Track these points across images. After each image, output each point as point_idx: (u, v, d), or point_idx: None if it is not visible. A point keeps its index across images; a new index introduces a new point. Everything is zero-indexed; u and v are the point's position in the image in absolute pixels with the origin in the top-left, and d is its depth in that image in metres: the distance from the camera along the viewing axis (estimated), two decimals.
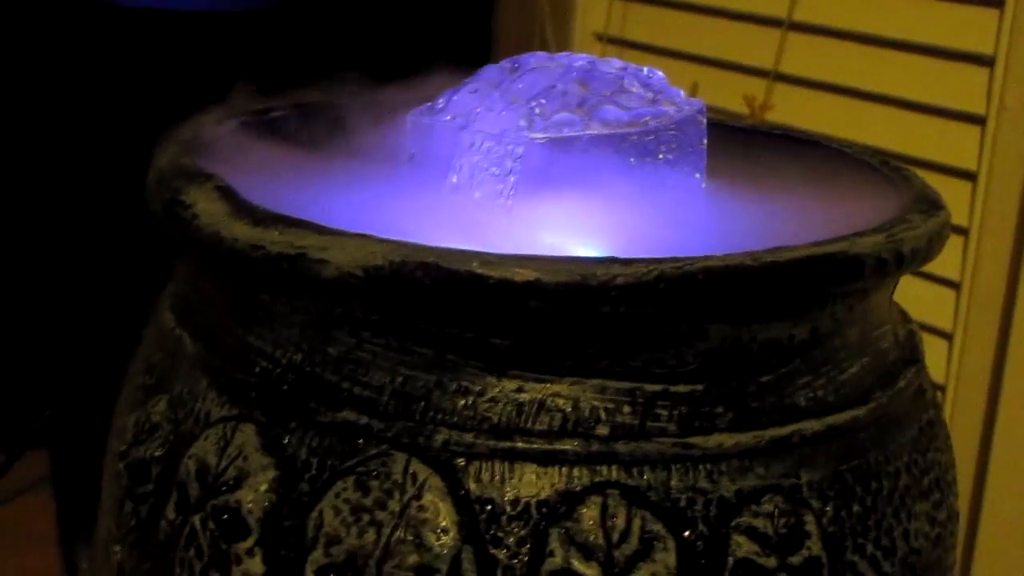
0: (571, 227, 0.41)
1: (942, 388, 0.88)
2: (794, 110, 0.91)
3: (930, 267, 0.86)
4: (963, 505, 0.88)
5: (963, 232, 0.86)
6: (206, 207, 0.37)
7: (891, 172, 0.45)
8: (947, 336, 0.88)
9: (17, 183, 0.67)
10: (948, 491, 0.42)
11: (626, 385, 0.35)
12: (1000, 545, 0.87)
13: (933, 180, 0.86)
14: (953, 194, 0.86)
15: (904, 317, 0.44)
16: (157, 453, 0.40)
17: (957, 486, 0.44)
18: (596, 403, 0.35)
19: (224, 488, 0.37)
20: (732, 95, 0.91)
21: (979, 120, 0.84)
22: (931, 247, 0.39)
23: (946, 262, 0.87)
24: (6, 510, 0.70)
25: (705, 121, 0.44)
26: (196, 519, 0.37)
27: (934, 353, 0.89)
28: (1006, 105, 0.83)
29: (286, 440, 0.36)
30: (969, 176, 0.85)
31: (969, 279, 0.86)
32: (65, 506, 0.65)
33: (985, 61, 0.83)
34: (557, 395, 0.35)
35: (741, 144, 0.49)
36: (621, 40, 1.02)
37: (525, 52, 0.46)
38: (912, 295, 0.86)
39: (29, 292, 0.66)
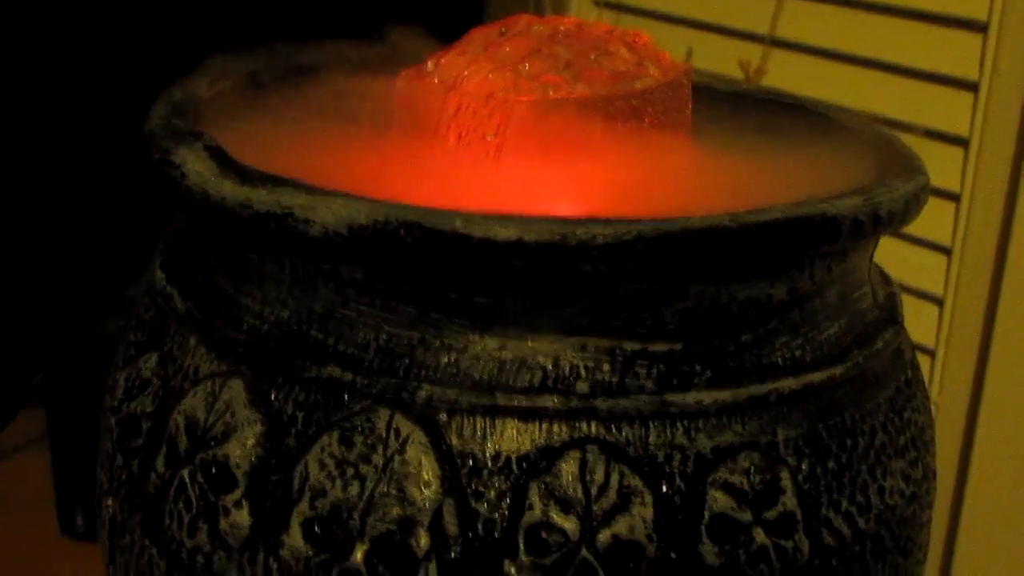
0: (556, 188, 0.42)
1: (932, 352, 0.88)
2: (789, 76, 0.91)
3: (921, 232, 0.86)
4: (950, 469, 0.89)
5: (955, 198, 0.86)
6: (195, 166, 0.38)
7: (874, 136, 0.46)
8: (937, 301, 0.88)
9: (12, 142, 0.68)
10: (924, 450, 0.42)
11: (606, 343, 0.36)
12: (986, 507, 0.88)
13: (925, 146, 0.86)
14: (945, 160, 0.86)
15: (884, 279, 0.45)
16: (148, 408, 0.40)
17: (935, 446, 0.45)
18: (576, 360, 0.36)
19: (212, 442, 0.38)
20: (727, 60, 0.91)
21: (972, 86, 0.84)
22: (908, 210, 0.39)
23: (937, 228, 0.87)
24: (2, 468, 0.71)
25: (690, 84, 0.45)
26: (185, 472, 0.38)
27: (924, 318, 0.89)
28: (999, 70, 0.84)
29: (273, 395, 0.37)
30: (961, 142, 0.85)
31: (960, 245, 0.86)
32: (61, 464, 0.66)
33: (978, 27, 0.83)
34: (538, 352, 0.36)
35: (727, 107, 0.49)
36: (617, 5, 1.02)
37: (518, 13, 0.46)
38: (903, 260, 0.87)
39: (24, 251, 0.66)
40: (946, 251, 0.88)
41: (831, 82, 0.90)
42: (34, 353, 0.67)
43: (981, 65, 0.83)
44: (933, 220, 0.86)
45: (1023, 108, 0.81)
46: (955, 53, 0.85)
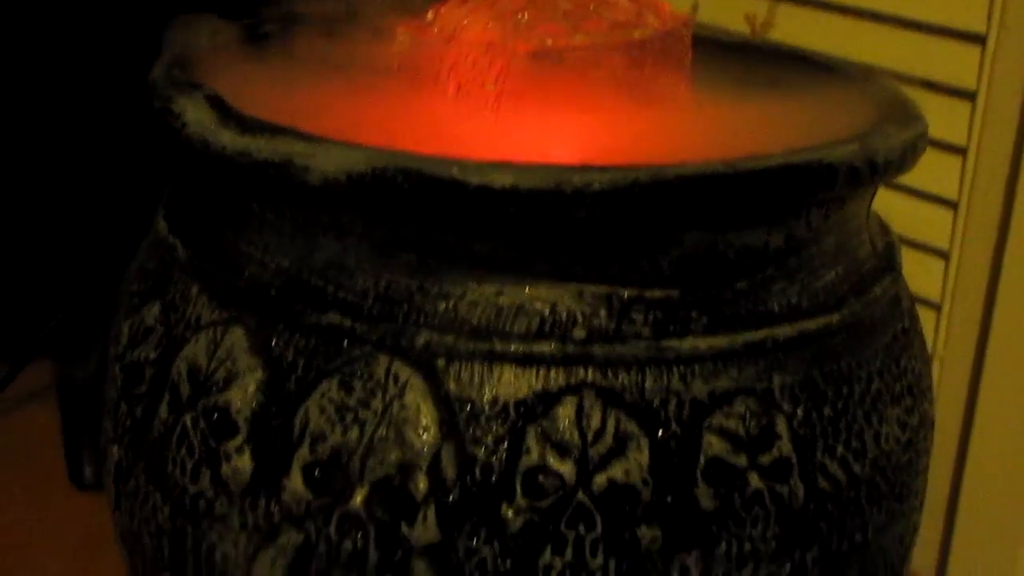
0: (554, 137, 0.42)
1: (937, 307, 0.88)
2: (795, 29, 0.91)
3: (928, 187, 0.86)
4: (955, 418, 0.89)
5: (961, 152, 0.86)
6: (195, 116, 0.38)
7: (876, 86, 0.46)
8: (944, 255, 0.88)
9: (20, 90, 0.68)
10: (921, 397, 0.43)
11: (603, 289, 0.36)
12: (991, 456, 0.88)
13: (932, 99, 0.86)
14: (952, 113, 0.86)
15: (883, 229, 0.45)
16: (151, 356, 0.41)
17: (932, 394, 0.45)
18: (573, 307, 0.36)
19: (214, 388, 0.38)
20: (734, 14, 0.91)
21: (979, 39, 0.84)
22: (905, 158, 0.39)
23: (944, 182, 0.87)
24: (10, 419, 0.72)
25: (690, 34, 0.45)
26: (187, 418, 0.39)
27: (931, 272, 0.89)
28: (1006, 24, 0.83)
29: (273, 342, 0.37)
30: (968, 95, 0.85)
31: (966, 199, 0.86)
32: (70, 416, 0.66)
33: None
34: (535, 299, 0.36)
35: (727, 58, 0.49)
36: None
37: None
38: (910, 214, 0.87)
39: (32, 203, 0.67)
40: (953, 205, 0.88)
41: (837, 36, 0.90)
42: (41, 307, 0.67)
43: (989, 18, 0.83)
44: (940, 174, 0.86)
45: None
46: (963, 5, 0.85)
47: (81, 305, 0.64)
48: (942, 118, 0.86)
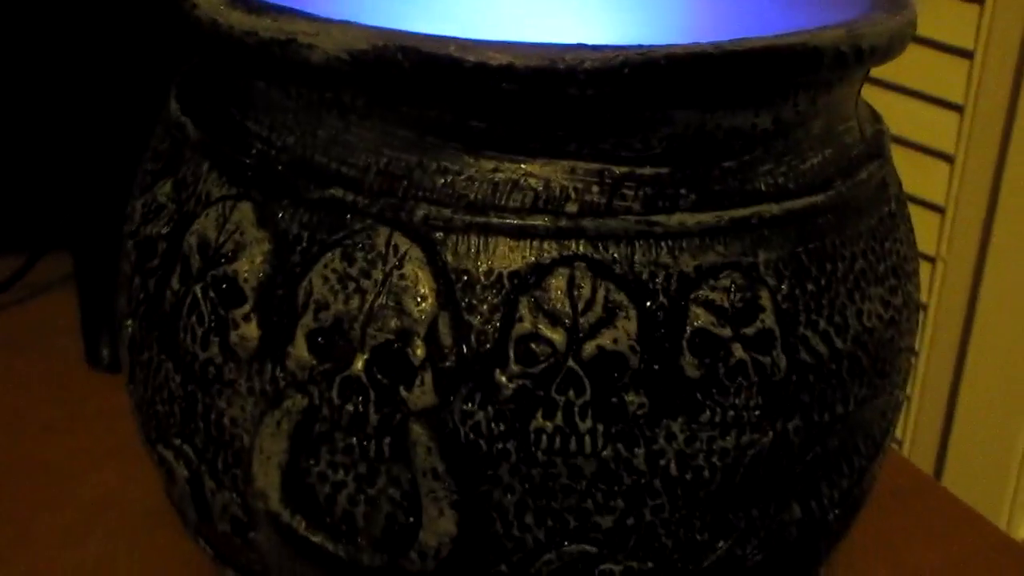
0: (554, 21, 0.43)
1: (942, 210, 0.90)
2: None
3: (935, 91, 0.87)
4: (957, 317, 0.91)
5: (968, 55, 0.87)
6: None
7: None
8: (949, 159, 0.90)
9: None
10: (905, 279, 0.44)
11: (594, 166, 0.38)
12: (988, 371, 0.90)
13: (942, 4, 0.86)
14: (960, 19, 0.87)
15: (874, 116, 0.46)
16: (163, 231, 0.42)
17: (918, 277, 0.47)
18: (566, 182, 0.38)
19: (223, 260, 0.40)
20: None
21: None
22: (892, 45, 0.40)
23: (950, 86, 0.88)
24: (32, 305, 0.74)
25: None
26: (197, 288, 0.40)
27: (935, 176, 0.91)
28: None
29: (279, 216, 0.39)
30: (966, 54, 0.86)
31: (972, 101, 0.87)
32: (88, 300, 0.68)
33: None
34: (530, 175, 0.38)
35: None
36: None
37: None
38: (916, 117, 0.88)
39: (47, 90, 0.68)
40: (958, 108, 0.89)
41: None
42: (59, 196, 0.69)
43: None
44: (947, 78, 0.87)
45: None
46: None
47: (98, 194, 0.66)
48: (951, 23, 0.87)
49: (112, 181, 0.65)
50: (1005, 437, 0.88)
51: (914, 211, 0.47)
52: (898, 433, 0.95)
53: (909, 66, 0.87)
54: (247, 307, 0.39)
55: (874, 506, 0.48)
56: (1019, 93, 0.84)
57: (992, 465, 0.89)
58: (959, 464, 0.92)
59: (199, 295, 0.40)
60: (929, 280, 0.91)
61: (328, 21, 0.37)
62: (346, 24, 0.37)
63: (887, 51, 0.40)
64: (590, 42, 0.36)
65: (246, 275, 0.39)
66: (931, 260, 0.90)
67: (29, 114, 0.74)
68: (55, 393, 0.67)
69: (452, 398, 0.37)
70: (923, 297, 0.91)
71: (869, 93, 0.46)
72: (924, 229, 0.89)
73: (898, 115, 0.87)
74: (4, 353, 0.70)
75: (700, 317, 0.38)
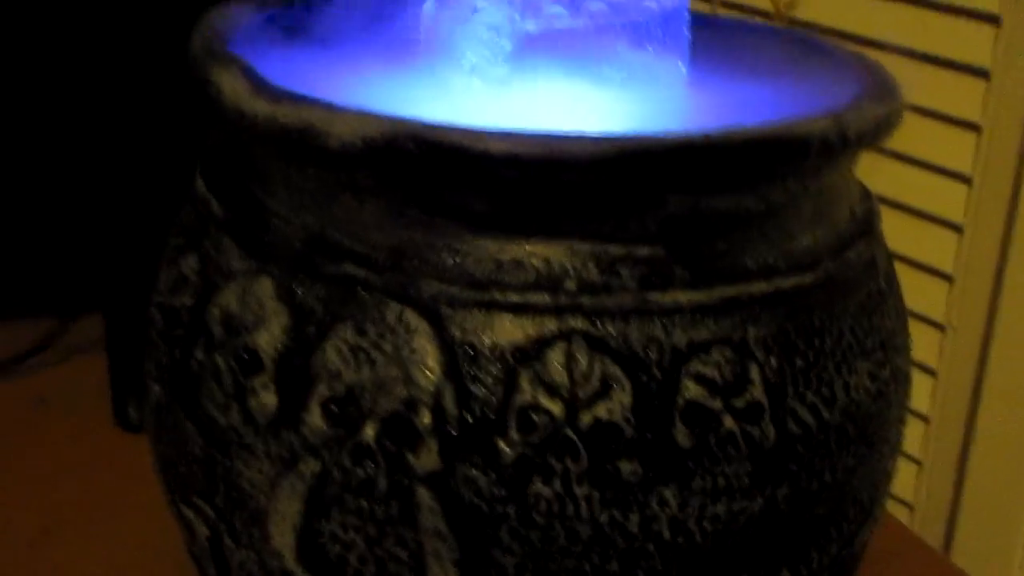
0: (559, 110, 0.46)
1: (949, 278, 0.92)
2: (817, 7, 0.94)
3: (943, 162, 0.89)
4: (964, 386, 0.92)
5: (975, 128, 0.89)
6: (230, 86, 0.42)
7: (861, 66, 0.49)
8: (957, 229, 0.91)
9: (81, 62, 0.72)
10: (894, 353, 0.46)
11: (592, 246, 0.40)
12: (997, 437, 0.91)
13: (947, 77, 0.88)
14: (966, 91, 0.89)
15: (864, 193, 0.49)
16: (188, 302, 0.45)
17: (909, 352, 0.49)
18: (565, 262, 0.40)
19: (244, 331, 0.42)
20: None
21: (994, 19, 0.87)
22: (879, 131, 0.43)
23: (958, 158, 0.90)
24: (63, 367, 0.76)
25: (688, 15, 0.49)
26: (220, 358, 0.43)
27: (944, 245, 0.92)
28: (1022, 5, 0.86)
29: (297, 291, 0.42)
30: (983, 74, 0.88)
31: (980, 174, 0.89)
32: (117, 363, 0.71)
33: None
34: (531, 255, 0.40)
35: (727, 39, 0.53)
36: None
37: None
38: (925, 188, 0.90)
39: (83, 162, 0.71)
40: (966, 180, 0.91)
41: (857, 14, 0.93)
42: (92, 263, 0.72)
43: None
44: (955, 150, 0.90)
45: None
46: None
47: (129, 260, 0.68)
48: (956, 95, 0.89)
49: (143, 247, 0.68)
50: (1015, 505, 0.90)
51: (922, 278, 0.49)
52: (909, 498, 0.96)
53: (917, 137, 0.89)
54: (266, 376, 0.42)
55: (868, 572, 0.49)
56: None
57: (1001, 531, 0.91)
58: (969, 528, 0.93)
59: (221, 364, 0.43)
60: (939, 346, 0.93)
61: (343, 109, 0.40)
62: (359, 112, 0.39)
63: (874, 137, 0.43)
64: (589, 123, 0.39)
65: (265, 346, 0.42)
66: (940, 327, 0.92)
67: (65, 180, 0.77)
68: (84, 452, 0.69)
69: (456, 464, 0.40)
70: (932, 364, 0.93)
71: (878, 161, 0.48)
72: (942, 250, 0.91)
73: (907, 185, 0.90)
74: (36, 413, 0.72)
75: (692, 389, 0.40)
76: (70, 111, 0.73)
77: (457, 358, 0.40)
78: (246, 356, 0.42)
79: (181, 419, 0.45)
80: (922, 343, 0.90)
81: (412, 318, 0.40)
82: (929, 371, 0.92)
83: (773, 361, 0.41)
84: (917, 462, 0.95)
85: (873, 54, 0.49)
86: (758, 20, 0.90)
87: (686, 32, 0.48)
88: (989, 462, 0.90)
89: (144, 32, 0.69)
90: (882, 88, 0.45)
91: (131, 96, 0.67)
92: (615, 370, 0.40)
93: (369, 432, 0.40)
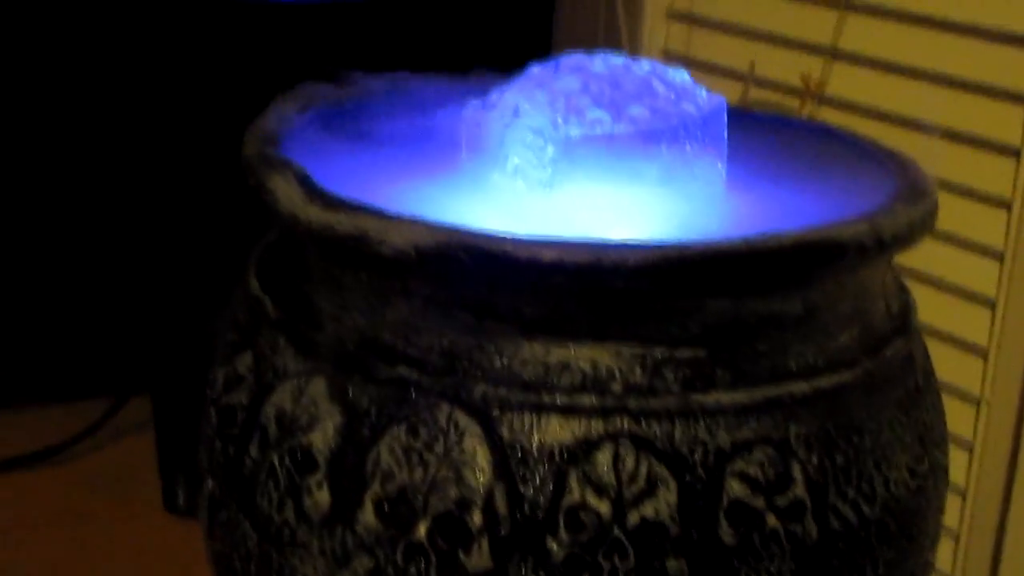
0: (602, 212, 0.47)
1: (984, 352, 0.92)
2: (849, 87, 0.95)
3: (975, 237, 0.90)
4: (1000, 463, 0.92)
5: (1007, 205, 0.90)
6: (285, 192, 0.44)
7: (895, 163, 0.50)
8: (990, 304, 0.92)
9: (139, 153, 0.74)
10: (932, 447, 0.47)
11: (638, 350, 0.41)
12: None
13: (978, 155, 0.89)
14: (997, 169, 0.90)
15: (901, 289, 0.50)
16: (243, 400, 0.46)
17: (946, 443, 0.49)
18: (611, 364, 0.41)
19: (298, 431, 0.44)
20: (789, 72, 0.95)
21: (1022, 99, 0.88)
22: (912, 234, 0.44)
23: (990, 233, 0.91)
24: (113, 450, 0.78)
25: (725, 117, 0.50)
26: (274, 456, 0.44)
27: (977, 320, 0.93)
28: None
29: (350, 391, 0.43)
30: (1013, 152, 0.89)
31: (1012, 249, 0.90)
32: (165, 447, 0.72)
33: None
34: (578, 357, 0.41)
35: (764, 134, 0.54)
36: (689, 16, 1.07)
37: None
38: (957, 264, 0.90)
39: (136, 254, 0.73)
40: (999, 256, 0.91)
41: (889, 94, 0.94)
42: (142, 346, 0.73)
43: None
44: (986, 226, 0.90)
45: None
46: (1014, 68, 0.88)
47: (178, 346, 0.70)
48: (987, 173, 0.90)
49: (191, 331, 0.70)
50: None
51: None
52: (948, 568, 0.97)
53: (939, 260, 0.91)
54: (320, 475, 0.43)
55: None
56: None
57: None
58: None
59: (276, 462, 0.44)
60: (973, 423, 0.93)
61: (397, 218, 0.41)
62: (413, 221, 0.41)
63: (908, 240, 0.44)
64: (631, 227, 0.40)
65: (319, 445, 0.43)
66: (975, 401, 0.93)
67: (115, 265, 0.79)
68: (133, 536, 0.71)
69: (507, 563, 0.41)
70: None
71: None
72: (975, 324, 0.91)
73: (930, 307, 0.91)
74: (87, 494, 0.74)
75: (735, 488, 0.41)
76: (121, 197, 0.75)
77: (507, 459, 0.41)
78: (300, 455, 0.43)
79: (236, 514, 0.46)
80: (957, 417, 0.91)
81: (463, 419, 0.41)
82: (966, 445, 0.93)
83: (814, 459, 0.42)
84: (955, 537, 0.96)
85: (904, 132, 0.50)
86: (790, 103, 0.91)
87: (724, 134, 0.50)
88: None
89: (197, 122, 0.71)
90: (916, 189, 0.46)
91: (181, 184, 0.69)
92: (661, 470, 0.41)
93: (421, 531, 0.41)
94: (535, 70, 0.50)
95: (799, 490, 0.42)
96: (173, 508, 0.72)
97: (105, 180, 0.78)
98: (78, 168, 0.80)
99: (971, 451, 0.95)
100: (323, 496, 0.43)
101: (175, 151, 0.73)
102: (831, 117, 0.92)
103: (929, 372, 0.49)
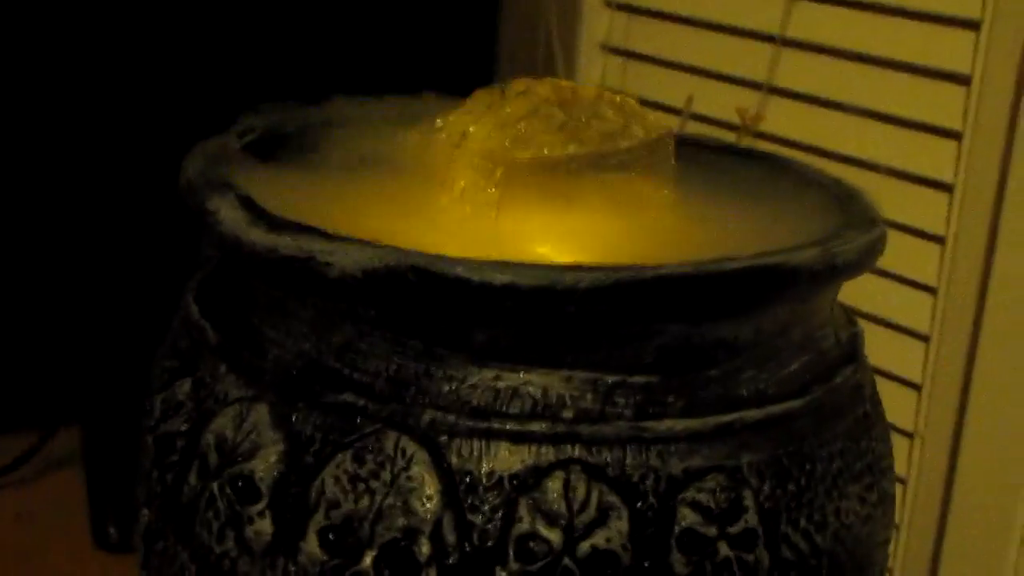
0: (550, 236, 0.46)
1: (918, 387, 0.93)
2: (784, 122, 0.96)
3: (909, 273, 0.90)
4: (935, 494, 0.93)
5: (940, 240, 0.90)
6: (228, 214, 0.43)
7: (841, 191, 0.50)
8: (924, 338, 0.93)
9: (72, 178, 0.72)
10: (881, 476, 0.47)
11: (589, 375, 0.41)
12: (968, 544, 0.92)
13: (912, 190, 0.89)
14: (930, 204, 0.91)
15: (849, 320, 0.50)
16: (182, 428, 0.45)
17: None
18: (562, 390, 0.41)
19: (239, 459, 0.42)
20: (726, 106, 0.96)
21: (955, 135, 0.89)
22: (864, 259, 0.44)
23: (923, 269, 0.92)
24: (41, 483, 0.76)
25: (673, 142, 0.50)
26: (215, 485, 0.43)
27: (911, 354, 0.94)
28: (980, 122, 0.88)
29: (294, 418, 0.42)
30: (946, 188, 0.90)
31: (945, 284, 0.91)
32: (96, 479, 0.70)
33: (962, 79, 0.87)
34: (529, 383, 0.41)
35: (709, 161, 0.54)
36: (624, 51, 1.07)
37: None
38: (891, 298, 0.91)
39: (63, 278, 0.71)
40: (932, 291, 0.92)
41: (824, 129, 0.95)
42: (70, 376, 0.72)
43: (964, 117, 0.88)
44: (919, 261, 0.91)
45: (1003, 155, 0.86)
46: (944, 110, 0.89)
47: (108, 376, 0.68)
48: (920, 208, 0.91)
49: (122, 361, 0.68)
50: None
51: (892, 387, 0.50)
52: None
53: (873, 295, 0.91)
54: (262, 504, 0.42)
55: None
56: (989, 276, 0.88)
57: None
58: None
59: (216, 491, 0.43)
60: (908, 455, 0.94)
61: (344, 240, 0.40)
62: (360, 243, 0.40)
63: (858, 266, 0.44)
64: (578, 250, 0.39)
65: (261, 474, 0.42)
66: (909, 436, 0.93)
67: (44, 298, 0.77)
68: (63, 572, 0.69)
69: None
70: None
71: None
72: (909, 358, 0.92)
73: (874, 297, 0.91)
74: (14, 529, 0.72)
75: (687, 517, 0.41)
76: (47, 222, 0.74)
77: (455, 487, 0.40)
78: (241, 483, 0.42)
79: (173, 546, 0.45)
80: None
81: (410, 447, 0.40)
82: (901, 479, 0.93)
83: (766, 487, 0.42)
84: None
85: (841, 167, 0.51)
86: (726, 137, 0.92)
87: (672, 158, 0.49)
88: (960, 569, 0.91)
89: (129, 149, 0.70)
90: (865, 216, 0.46)
91: (112, 213, 0.68)
92: (612, 498, 0.40)
93: (367, 561, 0.40)
94: (482, 94, 0.49)
95: (751, 518, 0.41)
96: (104, 543, 0.70)
97: (29, 204, 0.77)
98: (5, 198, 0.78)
99: (905, 485, 0.95)
100: (265, 525, 0.42)
101: (103, 179, 0.72)
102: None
103: (877, 402, 0.49)
